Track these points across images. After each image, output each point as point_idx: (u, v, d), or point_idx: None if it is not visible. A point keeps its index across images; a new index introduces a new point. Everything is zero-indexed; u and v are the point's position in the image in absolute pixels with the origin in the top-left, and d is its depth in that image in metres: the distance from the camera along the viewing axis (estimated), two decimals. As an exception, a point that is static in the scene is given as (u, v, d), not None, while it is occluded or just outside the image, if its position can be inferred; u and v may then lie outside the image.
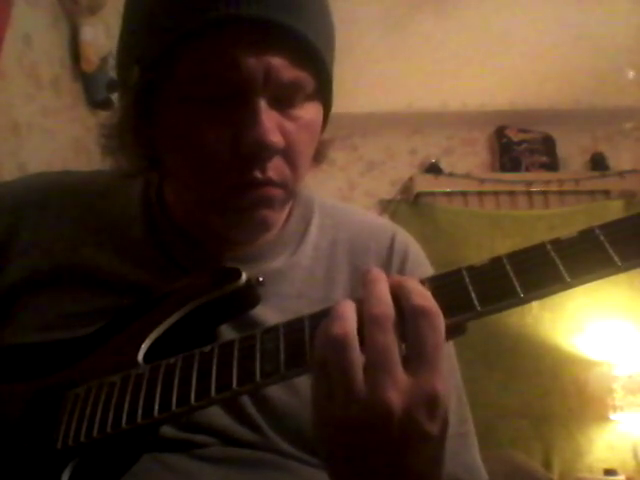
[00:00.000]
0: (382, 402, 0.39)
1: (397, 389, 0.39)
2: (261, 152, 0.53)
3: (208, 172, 0.55)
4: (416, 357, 0.40)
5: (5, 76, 1.46)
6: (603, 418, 2.64)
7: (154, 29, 0.53)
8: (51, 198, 0.67)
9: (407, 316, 0.40)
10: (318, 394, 0.42)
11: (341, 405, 0.40)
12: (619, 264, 0.38)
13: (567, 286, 0.39)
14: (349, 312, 0.42)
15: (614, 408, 2.59)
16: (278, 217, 0.60)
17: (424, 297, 0.41)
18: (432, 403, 0.40)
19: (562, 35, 2.73)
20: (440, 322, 0.40)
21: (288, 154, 0.56)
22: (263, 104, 0.52)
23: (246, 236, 0.63)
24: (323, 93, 0.58)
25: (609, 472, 2.47)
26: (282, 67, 0.52)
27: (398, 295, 0.42)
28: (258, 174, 0.54)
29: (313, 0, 0.55)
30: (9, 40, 1.44)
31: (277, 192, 0.56)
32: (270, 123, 0.52)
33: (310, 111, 0.57)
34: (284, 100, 0.54)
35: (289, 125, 0.55)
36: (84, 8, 1.77)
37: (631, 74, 2.85)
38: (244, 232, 0.61)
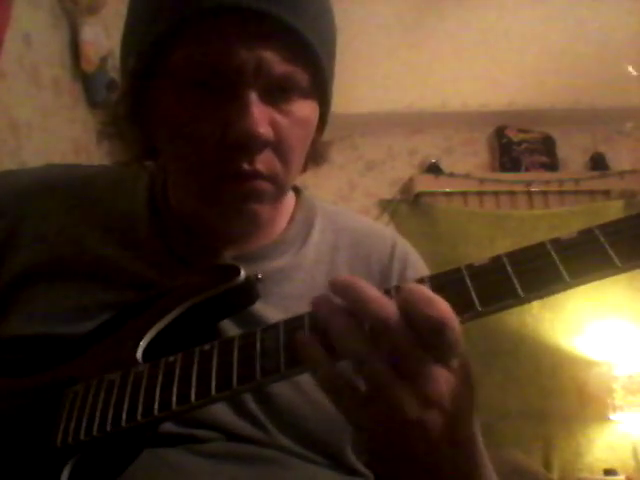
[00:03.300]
0: (435, 392, 0.40)
1: (439, 376, 0.40)
2: (249, 142, 0.53)
3: (196, 160, 0.55)
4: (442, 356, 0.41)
5: (5, 76, 1.46)
6: (603, 418, 2.64)
7: (151, 16, 0.54)
8: (57, 190, 0.67)
9: (423, 327, 0.40)
10: (353, 407, 0.42)
11: (387, 412, 0.40)
12: (619, 265, 0.38)
13: (567, 286, 0.39)
14: (352, 327, 0.41)
15: (614, 408, 2.59)
16: (269, 211, 0.60)
17: (435, 305, 0.40)
18: (467, 376, 0.42)
19: (562, 35, 2.73)
20: (456, 324, 0.40)
21: (278, 148, 0.56)
22: (254, 96, 0.53)
23: (237, 230, 0.63)
24: (319, 92, 0.58)
25: (609, 472, 2.47)
26: (274, 60, 0.52)
27: (407, 306, 0.41)
28: (245, 165, 0.54)
29: None
30: (9, 40, 1.44)
31: (266, 186, 0.56)
32: (260, 115, 0.53)
33: (304, 108, 0.57)
34: (277, 94, 0.54)
35: (281, 119, 0.55)
36: (84, 8, 1.77)
37: (631, 74, 2.85)
38: (235, 226, 0.61)
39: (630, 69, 2.77)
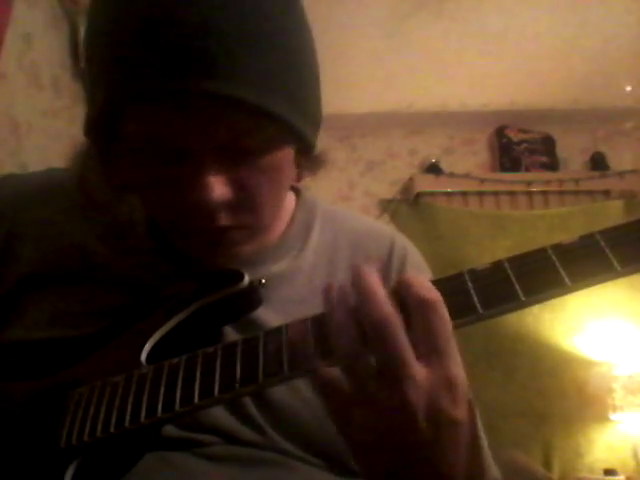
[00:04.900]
0: (405, 403, 0.40)
1: (416, 386, 0.40)
2: (206, 208, 0.51)
3: (163, 216, 0.57)
4: (429, 349, 0.41)
5: (5, 76, 1.46)
6: (603, 418, 2.64)
7: (105, 77, 0.50)
8: (58, 195, 0.67)
9: (413, 309, 0.41)
10: (333, 409, 0.43)
11: (361, 418, 0.41)
12: (619, 269, 0.39)
13: (568, 290, 0.40)
14: (348, 325, 0.42)
15: (614, 408, 2.59)
16: (249, 247, 0.59)
17: (428, 289, 0.42)
18: (452, 388, 0.41)
19: (562, 35, 2.73)
20: (445, 311, 0.41)
21: (243, 200, 0.53)
22: (207, 161, 0.50)
23: (220, 261, 0.61)
24: (291, 134, 0.53)
25: (609, 472, 2.46)
26: (232, 139, 0.50)
27: (400, 289, 0.43)
28: (209, 223, 0.53)
29: (277, 53, 0.49)
30: (9, 40, 1.44)
31: (237, 234, 0.56)
32: (214, 179, 0.50)
33: (271, 158, 0.53)
34: (236, 153, 0.51)
35: (243, 174, 0.52)
36: (84, 8, 1.77)
37: (630, 74, 2.85)
38: (217, 259, 0.59)
39: (629, 74, 2.77)
